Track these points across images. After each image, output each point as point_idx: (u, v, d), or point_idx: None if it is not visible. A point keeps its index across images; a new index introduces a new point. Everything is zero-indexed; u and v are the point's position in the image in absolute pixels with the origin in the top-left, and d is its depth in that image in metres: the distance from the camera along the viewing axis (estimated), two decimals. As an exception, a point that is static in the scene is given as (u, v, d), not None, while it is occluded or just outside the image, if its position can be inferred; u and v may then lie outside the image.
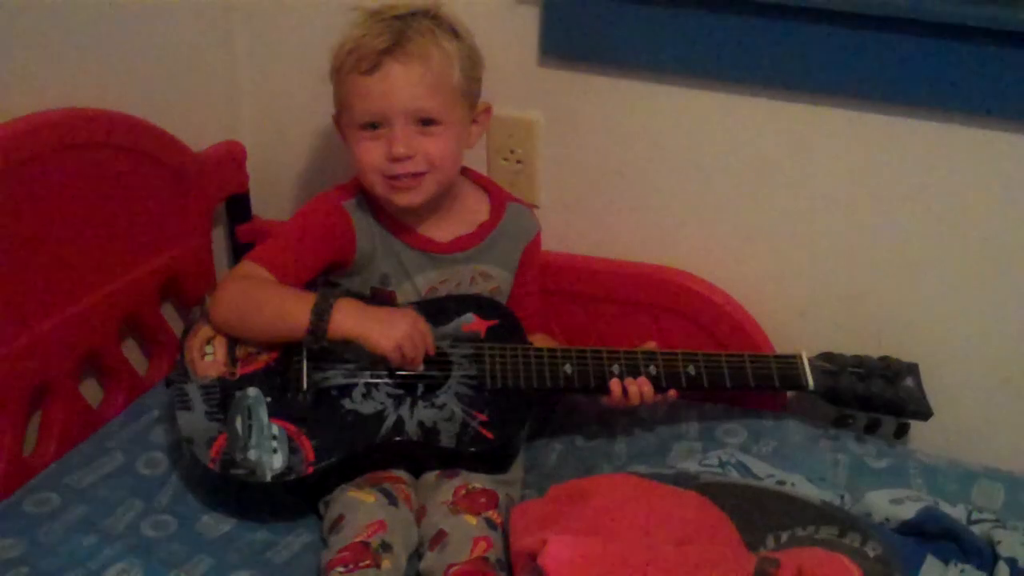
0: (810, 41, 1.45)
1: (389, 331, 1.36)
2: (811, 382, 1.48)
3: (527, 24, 1.60)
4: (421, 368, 1.40)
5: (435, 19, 1.43)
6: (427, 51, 1.39)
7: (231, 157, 1.77)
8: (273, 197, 1.85)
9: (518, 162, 1.69)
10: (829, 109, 1.49)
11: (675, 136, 1.60)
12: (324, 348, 1.38)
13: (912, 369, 1.51)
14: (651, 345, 1.50)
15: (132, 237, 1.59)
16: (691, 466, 1.42)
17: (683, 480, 1.34)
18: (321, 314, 1.36)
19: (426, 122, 1.41)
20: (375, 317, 1.38)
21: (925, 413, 1.47)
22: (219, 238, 1.83)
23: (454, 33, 1.43)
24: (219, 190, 1.76)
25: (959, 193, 1.48)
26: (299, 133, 1.82)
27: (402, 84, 1.39)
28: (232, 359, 1.41)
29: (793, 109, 1.51)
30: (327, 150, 1.80)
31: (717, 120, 1.57)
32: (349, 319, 1.37)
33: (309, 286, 1.45)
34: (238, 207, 1.82)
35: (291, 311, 1.37)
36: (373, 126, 1.41)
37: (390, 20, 1.41)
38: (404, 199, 1.44)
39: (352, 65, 1.40)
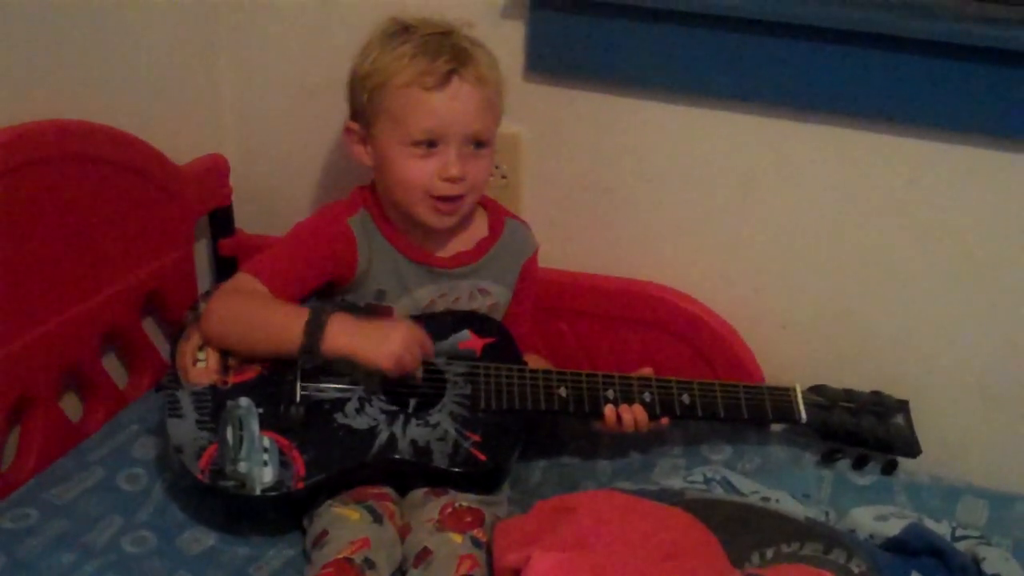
0: (794, 57, 1.46)
1: (385, 346, 1.34)
2: (804, 416, 1.47)
3: (512, 39, 1.60)
4: (420, 372, 1.39)
5: (475, 42, 1.42)
6: (485, 74, 1.40)
7: (214, 170, 1.76)
8: (256, 210, 1.84)
9: (503, 177, 1.69)
10: (814, 125, 1.50)
11: (660, 151, 1.60)
12: (318, 365, 1.37)
13: (902, 406, 1.50)
14: (647, 371, 1.48)
15: (114, 250, 1.58)
16: (676, 483, 1.42)
17: (668, 496, 1.34)
18: (315, 332, 1.34)
19: (479, 144, 1.41)
20: (369, 333, 1.36)
21: (914, 452, 1.47)
22: (202, 251, 1.82)
23: (492, 58, 1.44)
24: (202, 203, 1.75)
25: (942, 209, 1.49)
26: (283, 146, 1.81)
27: (469, 105, 1.38)
28: (224, 367, 1.40)
29: (777, 125, 1.52)
30: (311, 163, 1.79)
31: (702, 135, 1.57)
32: (343, 335, 1.35)
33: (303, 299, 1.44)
34: (221, 220, 1.81)
35: (284, 328, 1.36)
36: (429, 144, 1.39)
37: (439, 36, 1.39)
38: (445, 222, 1.44)
39: (413, 78, 1.37)
